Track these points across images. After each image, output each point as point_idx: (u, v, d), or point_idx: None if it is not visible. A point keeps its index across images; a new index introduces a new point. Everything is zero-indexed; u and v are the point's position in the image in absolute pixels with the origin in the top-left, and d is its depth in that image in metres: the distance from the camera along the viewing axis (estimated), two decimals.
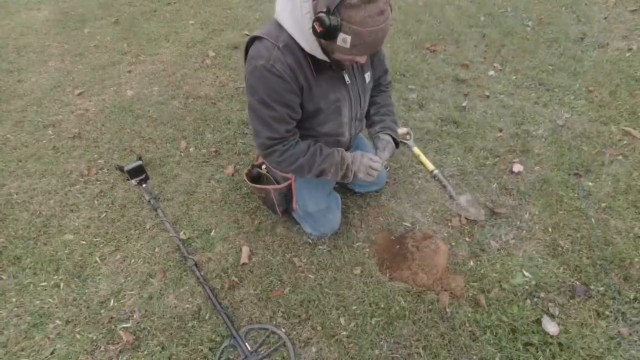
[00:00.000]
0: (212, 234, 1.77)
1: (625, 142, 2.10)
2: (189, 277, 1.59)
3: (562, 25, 3.21)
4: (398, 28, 3.37)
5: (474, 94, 2.57)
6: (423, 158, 2.08)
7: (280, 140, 1.32)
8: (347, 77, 1.34)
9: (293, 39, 1.17)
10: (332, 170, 1.37)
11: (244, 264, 1.62)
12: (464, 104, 2.47)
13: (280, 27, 1.19)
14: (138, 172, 1.79)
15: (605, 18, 3.25)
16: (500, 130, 2.25)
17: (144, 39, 3.48)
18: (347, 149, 1.61)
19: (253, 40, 1.24)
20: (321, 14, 1.01)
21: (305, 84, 1.24)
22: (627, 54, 2.78)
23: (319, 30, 1.03)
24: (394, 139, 1.53)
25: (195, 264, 1.62)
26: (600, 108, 2.35)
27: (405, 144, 2.21)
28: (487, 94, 2.56)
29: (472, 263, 1.58)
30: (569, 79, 2.63)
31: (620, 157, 2.01)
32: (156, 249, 1.72)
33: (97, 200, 1.97)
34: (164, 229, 1.80)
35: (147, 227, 1.82)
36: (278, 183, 1.62)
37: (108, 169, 2.16)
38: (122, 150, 2.29)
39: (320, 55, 1.18)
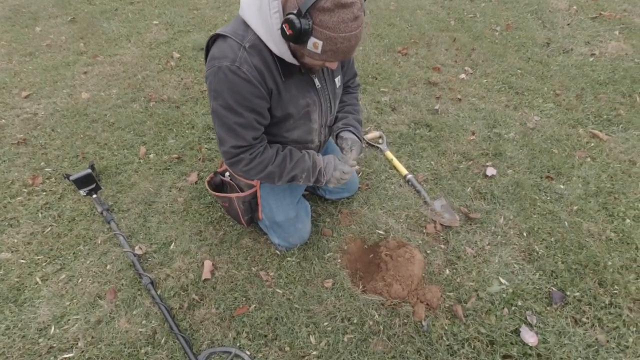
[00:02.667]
0: (171, 247, 1.62)
1: (592, 144, 2.12)
2: (143, 297, 1.44)
3: (529, 31, 3.27)
4: (370, 31, 3.33)
5: (446, 97, 2.55)
6: (396, 162, 2.01)
7: (247, 148, 1.20)
8: (317, 82, 1.25)
9: (260, 40, 1.06)
10: (303, 176, 1.28)
11: (205, 279, 1.49)
12: (436, 107, 2.44)
13: (246, 25, 1.08)
14: (87, 182, 1.62)
15: (568, 24, 3.34)
16: (473, 134, 2.23)
17: (103, 38, 3.27)
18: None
19: (215, 38, 1.13)
20: (291, 16, 0.91)
21: (274, 87, 1.14)
22: (591, 59, 2.85)
23: (288, 33, 0.94)
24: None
25: (152, 282, 1.46)
26: (568, 111, 2.38)
27: (377, 148, 2.14)
28: (459, 97, 2.55)
29: (448, 272, 1.52)
30: (537, 82, 2.66)
31: (589, 159, 2.02)
32: (108, 267, 1.55)
33: (42, 213, 1.77)
34: (118, 243, 1.63)
35: (99, 241, 1.65)
36: (242, 191, 1.50)
37: (56, 178, 1.96)
38: (73, 158, 2.10)
39: (289, 58, 1.08)
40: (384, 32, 3.33)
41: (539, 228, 1.67)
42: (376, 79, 2.73)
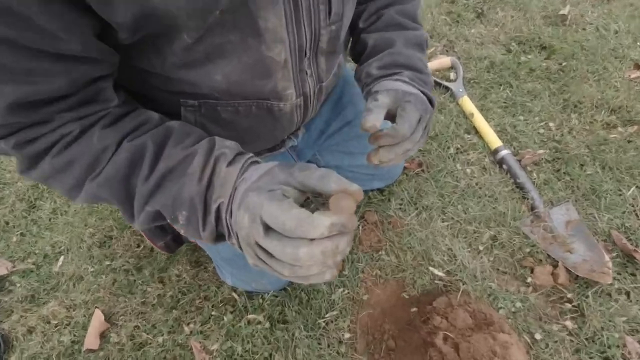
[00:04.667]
0: (57, 266, 0.92)
1: None
2: None
3: None
4: None
5: None
6: (480, 121, 1.07)
7: (10, 134, 0.37)
8: None
9: None
10: (180, 219, 0.39)
11: (90, 350, 0.79)
12: (563, 12, 1.34)
13: None
14: None
15: None
16: (638, 66, 1.16)
17: None
18: (295, 132, 0.68)
19: None
20: None
21: None
22: None
23: None
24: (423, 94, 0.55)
25: (2, 341, 0.80)
26: None
27: (446, 89, 1.18)
28: None
29: None
30: None
31: None
32: None
33: None
34: None
35: None
36: None
37: None
38: None
39: None
40: None
41: None
42: None
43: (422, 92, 0.54)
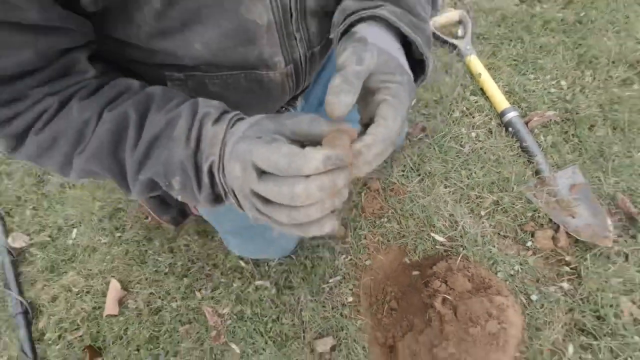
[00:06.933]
0: (70, 239, 0.96)
1: None
2: (12, 336, 0.86)
3: None
4: None
5: None
6: (488, 82, 1.02)
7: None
8: None
9: None
10: (175, 185, 0.38)
11: (109, 316, 0.85)
12: None
13: None
14: None
15: None
16: None
17: None
18: (293, 102, 0.65)
19: None
20: None
21: None
22: None
23: None
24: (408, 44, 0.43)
25: (26, 312, 0.86)
26: None
27: (453, 47, 1.12)
28: None
29: (571, 353, 0.73)
30: None
31: None
32: None
33: None
34: None
35: None
36: None
37: None
38: None
39: None
40: None
41: None
42: None
43: (413, 42, 0.41)
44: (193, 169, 0.37)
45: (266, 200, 0.31)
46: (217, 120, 0.37)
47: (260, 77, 0.50)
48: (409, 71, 0.39)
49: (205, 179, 0.37)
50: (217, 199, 0.39)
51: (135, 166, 0.38)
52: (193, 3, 0.38)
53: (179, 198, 0.41)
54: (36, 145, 0.38)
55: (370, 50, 0.34)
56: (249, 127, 0.34)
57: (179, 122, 0.37)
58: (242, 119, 0.38)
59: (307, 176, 0.28)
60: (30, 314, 0.86)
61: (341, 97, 0.30)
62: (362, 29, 0.40)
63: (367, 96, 0.35)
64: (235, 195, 0.36)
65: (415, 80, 0.43)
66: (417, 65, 0.43)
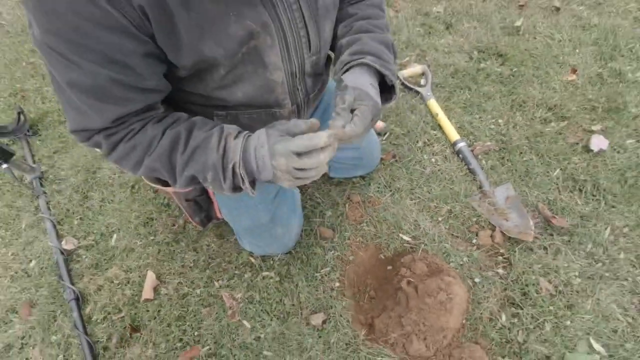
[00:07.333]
0: (112, 241, 1.19)
1: None
2: (65, 318, 1.06)
3: None
4: None
5: (534, 5, 1.65)
6: (443, 119, 1.32)
7: (102, 130, 0.61)
8: None
9: None
10: (209, 179, 0.64)
11: (146, 300, 1.06)
12: (517, 23, 1.58)
13: None
14: None
15: None
16: (574, 71, 1.42)
17: None
18: None
19: None
20: None
21: (151, 1, 0.50)
22: None
23: None
24: (383, 79, 0.74)
25: (77, 298, 1.07)
26: None
27: (417, 93, 1.43)
28: (557, 4, 1.64)
29: (504, 320, 0.97)
30: None
31: None
32: (32, 263, 1.17)
33: None
34: (46, 230, 1.22)
35: (23, 225, 1.25)
36: None
37: None
38: (10, 96, 1.61)
39: None
40: None
41: None
42: None
43: (382, 73, 0.70)
44: (221, 168, 0.62)
45: (302, 170, 0.58)
46: (235, 137, 0.64)
47: (274, 113, 0.77)
48: (375, 98, 0.68)
49: (230, 174, 0.62)
50: (236, 188, 0.65)
51: (182, 165, 0.63)
52: (241, 70, 0.65)
53: (210, 188, 0.66)
54: (123, 151, 0.62)
55: (349, 93, 0.65)
56: (267, 137, 0.61)
57: (212, 138, 0.63)
58: (249, 135, 0.65)
59: (322, 148, 0.56)
60: (80, 300, 1.07)
61: (337, 122, 0.63)
62: (347, 77, 0.70)
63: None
64: (252, 183, 0.63)
65: (390, 98, 0.75)
66: (391, 89, 0.75)
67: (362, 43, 0.72)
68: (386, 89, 0.75)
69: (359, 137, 0.65)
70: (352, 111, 0.66)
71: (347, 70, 0.72)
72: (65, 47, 0.50)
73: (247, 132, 0.66)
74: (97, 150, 0.66)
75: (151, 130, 0.62)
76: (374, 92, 0.69)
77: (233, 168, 0.62)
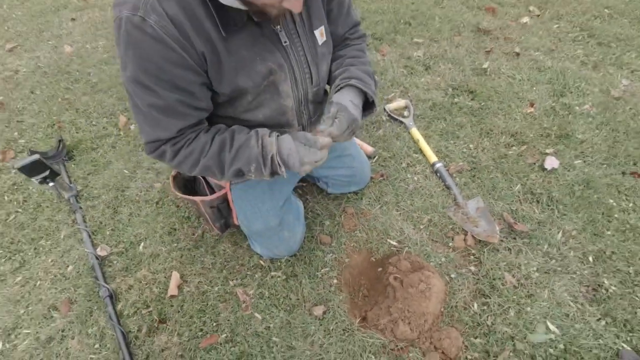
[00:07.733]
0: (139, 248, 1.37)
1: None
2: (100, 314, 1.22)
3: None
4: None
5: (499, 51, 1.96)
6: (423, 144, 1.56)
7: (169, 139, 0.85)
8: (283, 36, 0.83)
9: None
10: (252, 169, 0.88)
11: (172, 296, 1.24)
12: (484, 66, 1.88)
13: None
14: (37, 169, 1.37)
15: None
16: (532, 105, 1.69)
17: None
18: None
19: None
20: None
21: (209, 49, 0.75)
22: None
23: None
24: (366, 97, 1.01)
25: (111, 295, 1.24)
26: None
27: (401, 123, 1.69)
28: (518, 50, 1.94)
29: (476, 307, 1.15)
30: (631, 28, 1.96)
31: None
32: (69, 268, 1.34)
33: (8, 196, 1.57)
34: (82, 239, 1.41)
35: (62, 236, 1.43)
36: (211, 190, 1.17)
37: (28, 153, 1.73)
38: (48, 127, 1.85)
39: None
40: None
41: (613, 252, 1.22)
42: (409, 24, 2.15)
43: (364, 91, 0.97)
44: (262, 160, 0.86)
45: (315, 161, 0.83)
46: (269, 136, 0.88)
47: (285, 131, 1.00)
48: (352, 111, 0.93)
49: (269, 163, 0.86)
50: (273, 173, 0.88)
51: (230, 161, 0.86)
52: (262, 97, 0.90)
53: (252, 177, 0.89)
54: (183, 155, 0.86)
55: (334, 106, 0.92)
56: (291, 140, 0.87)
57: (252, 139, 0.87)
58: (279, 135, 0.90)
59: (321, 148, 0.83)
60: (113, 297, 1.24)
61: (322, 126, 0.90)
62: (336, 96, 0.95)
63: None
64: (288, 167, 0.87)
65: (372, 110, 1.03)
66: (372, 104, 1.01)
67: (350, 71, 0.99)
68: (368, 105, 1.03)
69: (341, 138, 0.91)
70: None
71: (338, 90, 0.98)
72: (149, 80, 0.74)
73: (277, 132, 0.91)
74: (159, 160, 0.89)
75: (203, 137, 0.86)
76: (352, 106, 0.94)
77: (271, 158, 0.86)
